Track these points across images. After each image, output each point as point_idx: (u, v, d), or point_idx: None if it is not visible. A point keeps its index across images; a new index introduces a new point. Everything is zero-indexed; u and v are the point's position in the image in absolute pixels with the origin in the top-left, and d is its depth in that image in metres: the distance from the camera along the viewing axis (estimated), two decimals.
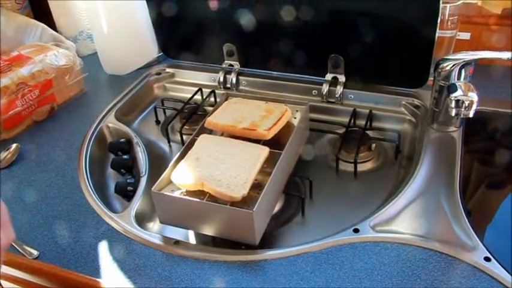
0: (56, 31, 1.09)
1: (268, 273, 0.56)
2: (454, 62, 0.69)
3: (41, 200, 0.70)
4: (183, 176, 0.61)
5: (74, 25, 1.11)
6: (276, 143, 0.67)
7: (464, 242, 0.57)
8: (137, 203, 0.69)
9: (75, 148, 0.80)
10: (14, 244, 0.62)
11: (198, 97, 0.94)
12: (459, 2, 0.80)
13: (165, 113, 0.94)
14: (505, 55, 0.65)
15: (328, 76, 0.87)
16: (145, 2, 0.94)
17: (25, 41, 1.03)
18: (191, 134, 0.72)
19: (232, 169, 0.61)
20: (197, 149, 0.66)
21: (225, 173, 0.61)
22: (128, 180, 0.75)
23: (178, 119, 0.89)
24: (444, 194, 0.64)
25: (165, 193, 0.61)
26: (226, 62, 0.95)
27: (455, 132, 0.75)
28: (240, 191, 0.58)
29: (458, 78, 0.70)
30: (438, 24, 0.73)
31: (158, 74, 1.02)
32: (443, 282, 0.52)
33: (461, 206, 0.61)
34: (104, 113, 0.88)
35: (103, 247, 0.61)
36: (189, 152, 0.66)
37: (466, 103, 0.65)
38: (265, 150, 0.65)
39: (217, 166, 0.62)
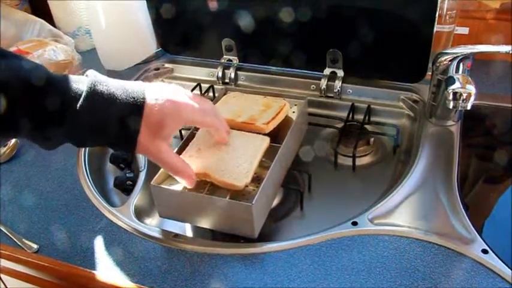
0: (55, 27, 1.09)
1: (267, 266, 0.56)
2: (452, 56, 0.69)
3: (41, 194, 0.70)
4: None
5: (73, 21, 1.11)
6: (274, 137, 0.67)
7: (462, 234, 0.57)
8: (136, 197, 0.69)
9: None
10: (13, 238, 0.62)
11: (196, 92, 0.94)
12: None
13: None
14: (503, 49, 0.65)
15: (327, 71, 0.87)
16: None
17: (24, 37, 1.03)
18: (190, 129, 0.72)
19: (234, 159, 0.62)
20: (198, 141, 0.66)
21: (227, 162, 0.61)
22: (127, 175, 0.75)
23: None
24: (442, 187, 0.64)
25: (164, 187, 0.61)
26: (225, 57, 0.95)
27: (454, 126, 0.76)
28: (242, 180, 0.58)
29: (456, 72, 0.70)
30: (436, 19, 0.73)
31: (157, 69, 1.02)
32: (441, 274, 0.53)
33: (459, 199, 0.62)
34: None
35: (102, 241, 0.61)
36: (190, 143, 0.66)
37: (464, 95, 0.65)
38: (266, 140, 0.65)
39: (219, 156, 0.62)
